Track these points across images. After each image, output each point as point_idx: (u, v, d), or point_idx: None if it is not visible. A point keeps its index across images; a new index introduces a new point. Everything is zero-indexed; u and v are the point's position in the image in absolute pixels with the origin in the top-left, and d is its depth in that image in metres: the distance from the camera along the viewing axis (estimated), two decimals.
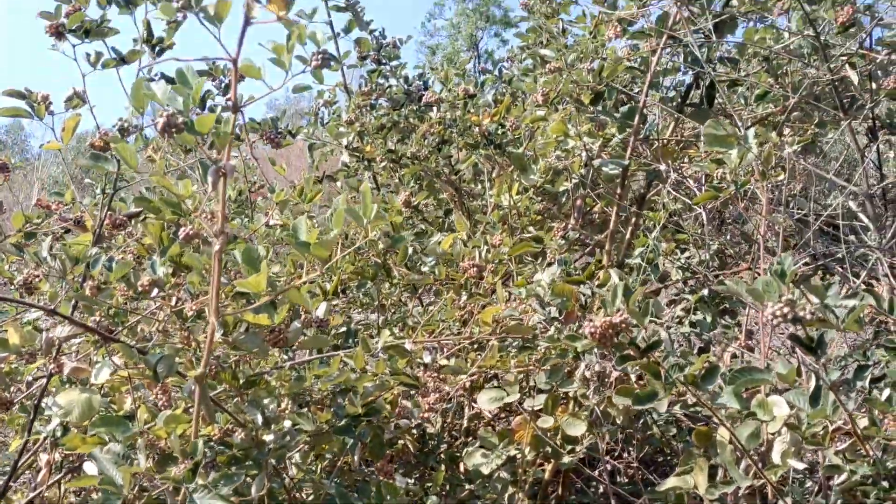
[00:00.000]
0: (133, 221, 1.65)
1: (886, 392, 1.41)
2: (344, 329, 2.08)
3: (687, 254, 2.95)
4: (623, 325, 1.33)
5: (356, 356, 1.79)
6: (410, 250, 2.65)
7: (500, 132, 2.60)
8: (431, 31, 22.63)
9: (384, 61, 3.19)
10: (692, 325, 2.19)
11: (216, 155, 1.12)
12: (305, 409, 1.80)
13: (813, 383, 1.35)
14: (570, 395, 2.00)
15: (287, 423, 1.65)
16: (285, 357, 1.92)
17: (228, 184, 1.82)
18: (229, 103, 1.11)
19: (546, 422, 1.96)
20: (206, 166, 1.12)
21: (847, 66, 2.37)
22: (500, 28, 20.69)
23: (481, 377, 2.26)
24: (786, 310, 1.24)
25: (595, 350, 1.80)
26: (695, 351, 2.46)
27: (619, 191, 2.58)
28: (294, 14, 3.11)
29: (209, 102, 2.51)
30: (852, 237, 3.01)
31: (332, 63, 1.18)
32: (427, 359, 1.96)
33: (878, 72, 2.49)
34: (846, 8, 2.23)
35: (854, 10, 2.20)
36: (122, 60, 1.69)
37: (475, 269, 1.99)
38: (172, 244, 1.57)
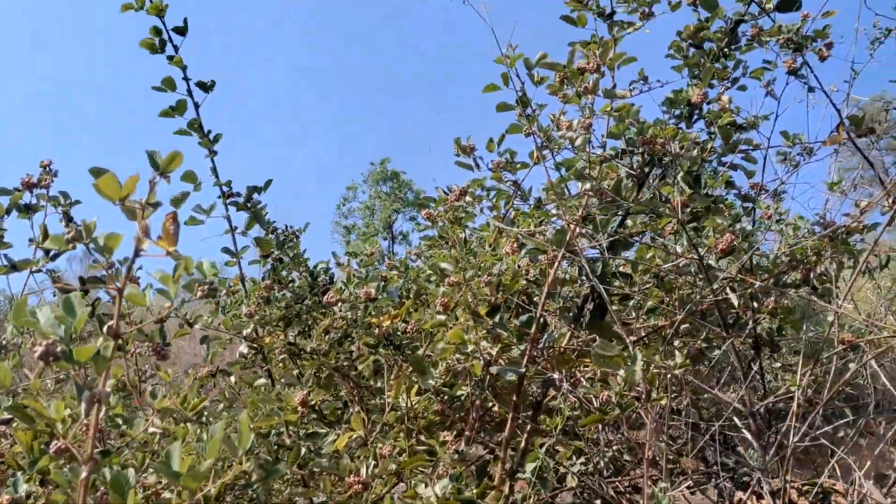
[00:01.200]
0: (5, 427, 1.57)
1: None
2: None
3: (583, 459, 2.96)
4: None
5: None
6: (304, 450, 2.59)
7: (400, 334, 2.62)
8: (346, 214, 23.05)
9: (284, 259, 3.23)
10: None
11: (93, 379, 1.10)
12: None
13: None
14: None
15: None
16: None
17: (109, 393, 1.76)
18: (112, 329, 1.10)
19: None
20: (81, 389, 1.10)
21: (728, 288, 2.51)
22: (414, 211, 21.30)
23: None
24: None
25: None
26: None
27: (514, 398, 2.60)
28: (192, 209, 3.14)
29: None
30: (740, 448, 3.08)
31: (217, 290, 1.19)
32: None
33: (760, 294, 2.64)
34: (726, 236, 2.39)
35: (733, 240, 2.36)
36: (13, 268, 1.67)
37: (361, 485, 1.95)
38: (43, 456, 1.50)
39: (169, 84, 3.32)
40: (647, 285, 2.81)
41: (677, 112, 2.65)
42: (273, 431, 2.86)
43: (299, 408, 2.49)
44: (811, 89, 2.61)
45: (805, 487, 2.77)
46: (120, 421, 2.04)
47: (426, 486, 2.04)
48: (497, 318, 2.43)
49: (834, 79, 2.87)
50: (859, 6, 2.66)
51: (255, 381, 3.10)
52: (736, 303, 2.49)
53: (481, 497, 1.88)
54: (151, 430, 1.82)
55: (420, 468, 2.20)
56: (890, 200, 2.32)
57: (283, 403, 2.56)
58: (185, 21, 3.39)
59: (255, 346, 3.21)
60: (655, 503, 1.26)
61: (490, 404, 2.89)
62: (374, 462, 2.02)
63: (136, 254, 1.05)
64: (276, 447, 2.77)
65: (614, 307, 2.86)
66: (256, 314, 3.05)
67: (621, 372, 1.95)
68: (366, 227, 21.39)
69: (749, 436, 2.46)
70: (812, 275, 2.53)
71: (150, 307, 1.37)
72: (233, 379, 3.07)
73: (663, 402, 1.91)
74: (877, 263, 3.34)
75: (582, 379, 2.76)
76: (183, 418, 1.91)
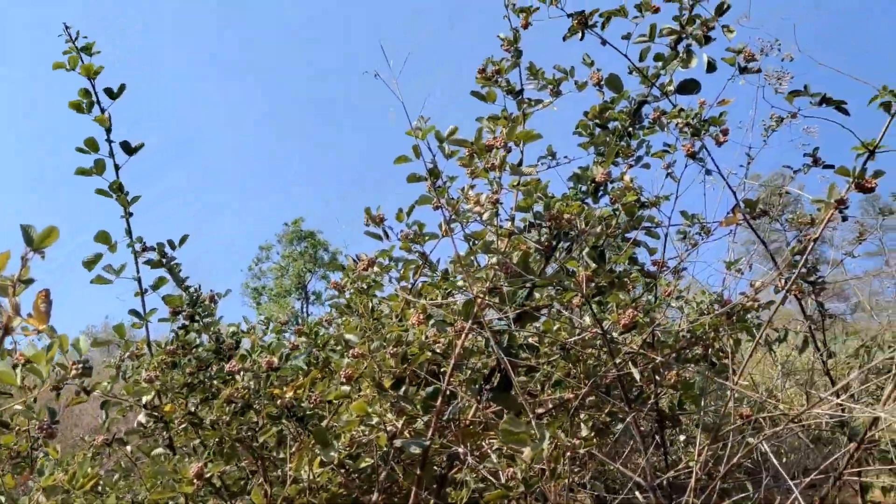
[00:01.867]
0: None
1: None
2: None
3: None
4: None
5: None
6: None
7: (303, 404, 2.57)
8: (258, 275, 22.56)
9: (197, 318, 3.15)
10: None
11: None
12: None
13: None
14: None
15: None
16: None
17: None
18: None
19: None
20: None
21: (630, 363, 2.55)
22: (328, 271, 21.03)
23: None
24: None
25: None
26: None
27: (419, 471, 2.57)
28: (101, 269, 3.05)
29: None
30: None
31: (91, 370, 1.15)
32: None
33: (662, 369, 2.69)
34: (628, 311, 2.43)
35: (635, 315, 2.41)
36: None
37: None
38: None
39: (91, 145, 3.30)
40: (554, 357, 2.84)
41: (583, 188, 2.71)
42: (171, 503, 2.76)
43: (195, 480, 2.40)
44: (708, 172, 2.71)
45: None
46: (3, 499, 1.94)
47: None
48: (402, 391, 2.41)
49: (733, 160, 2.99)
50: (755, 95, 2.80)
51: (153, 450, 2.99)
52: (638, 377, 2.53)
53: None
54: None
55: None
56: (782, 281, 2.41)
57: (179, 475, 2.47)
58: (122, 86, 3.38)
59: (156, 414, 3.11)
60: None
61: (396, 477, 2.85)
62: None
63: (7, 331, 1.01)
64: None
65: (521, 378, 2.87)
66: (157, 380, 2.95)
67: (527, 449, 1.95)
68: (278, 288, 20.92)
69: None
70: (710, 350, 2.60)
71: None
72: (129, 448, 2.96)
73: (566, 479, 1.91)
74: (776, 337, 3.45)
75: (489, 451, 2.75)
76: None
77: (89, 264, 3.11)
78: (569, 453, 2.25)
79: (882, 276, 4.09)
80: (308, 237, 21.52)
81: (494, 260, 2.38)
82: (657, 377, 2.72)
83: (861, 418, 2.44)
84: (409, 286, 2.71)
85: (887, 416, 2.00)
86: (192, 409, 2.97)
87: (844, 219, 2.34)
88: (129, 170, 3.38)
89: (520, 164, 2.68)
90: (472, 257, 2.69)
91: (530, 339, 2.89)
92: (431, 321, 2.50)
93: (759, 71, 2.65)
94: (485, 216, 2.35)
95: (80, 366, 1.13)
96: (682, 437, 3.59)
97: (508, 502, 2.93)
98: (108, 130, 3.35)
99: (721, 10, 2.79)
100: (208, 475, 2.46)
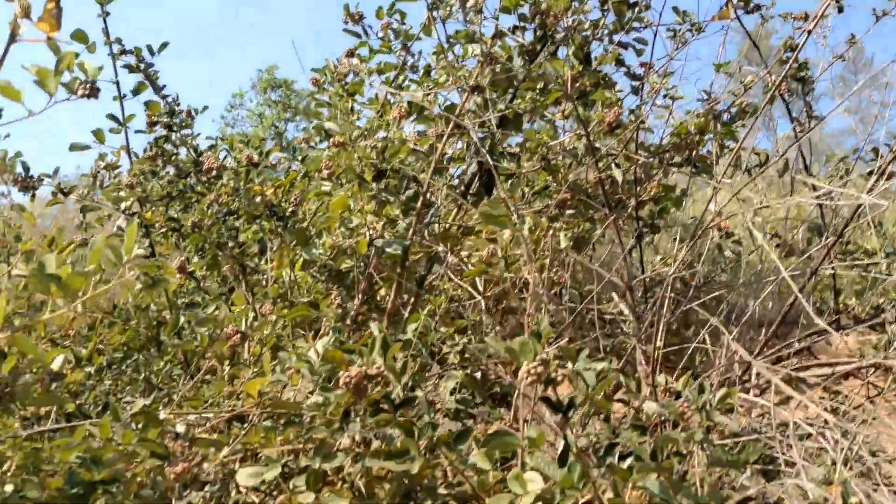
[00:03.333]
0: None
1: (628, 461, 1.44)
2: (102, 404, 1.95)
3: (465, 339, 2.98)
4: (378, 378, 1.30)
5: (102, 425, 1.64)
6: (183, 319, 2.52)
7: (284, 204, 2.55)
8: (231, 123, 21.83)
9: (175, 128, 3.07)
10: (459, 402, 2.18)
11: None
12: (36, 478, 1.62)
13: (561, 445, 1.36)
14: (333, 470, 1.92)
15: (8, 488, 1.47)
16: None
17: None
18: None
19: (307, 497, 1.87)
20: None
21: (613, 165, 2.54)
22: (305, 121, 20.45)
23: (248, 453, 2.14)
24: (539, 368, 1.25)
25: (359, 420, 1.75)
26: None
27: (399, 270, 2.58)
28: (78, 69, 2.95)
29: None
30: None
31: (99, 92, 1.11)
32: (181, 429, 1.83)
33: (643, 175, 2.69)
34: (613, 109, 2.40)
35: (619, 113, 2.38)
36: None
37: (238, 335, 1.90)
38: None
39: None
40: (536, 168, 2.82)
41: None
42: (153, 308, 2.79)
43: (178, 273, 2.41)
44: None
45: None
46: None
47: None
48: (383, 184, 2.39)
49: None
50: None
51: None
52: (620, 178, 2.52)
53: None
54: (16, 273, 1.72)
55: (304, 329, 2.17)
56: (773, 77, 2.37)
57: (161, 271, 2.47)
58: None
59: (136, 219, 3.08)
60: (535, 325, 1.27)
61: (376, 287, 2.87)
62: (253, 314, 1.98)
63: (13, 38, 0.95)
64: (155, 323, 2.69)
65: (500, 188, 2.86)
66: (138, 186, 2.91)
67: (507, 231, 1.95)
68: (254, 134, 20.33)
69: (626, 309, 2.52)
70: (694, 153, 2.58)
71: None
72: None
73: (547, 260, 1.93)
74: (756, 162, 3.45)
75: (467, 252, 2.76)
76: None
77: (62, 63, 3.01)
78: (548, 247, 2.26)
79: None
80: (283, 85, 20.84)
81: (479, 50, 2.32)
82: (637, 187, 2.71)
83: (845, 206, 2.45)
84: (391, 80, 2.65)
85: (872, 201, 2.00)
86: (174, 214, 2.94)
87: (841, 10, 2.28)
88: None
89: None
90: (452, 51, 2.60)
91: (512, 150, 2.86)
92: (414, 115, 2.45)
93: None
94: (469, 2, 2.27)
95: (88, 85, 1.09)
96: (658, 258, 3.64)
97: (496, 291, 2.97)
98: None
99: None
100: (191, 270, 2.46)
